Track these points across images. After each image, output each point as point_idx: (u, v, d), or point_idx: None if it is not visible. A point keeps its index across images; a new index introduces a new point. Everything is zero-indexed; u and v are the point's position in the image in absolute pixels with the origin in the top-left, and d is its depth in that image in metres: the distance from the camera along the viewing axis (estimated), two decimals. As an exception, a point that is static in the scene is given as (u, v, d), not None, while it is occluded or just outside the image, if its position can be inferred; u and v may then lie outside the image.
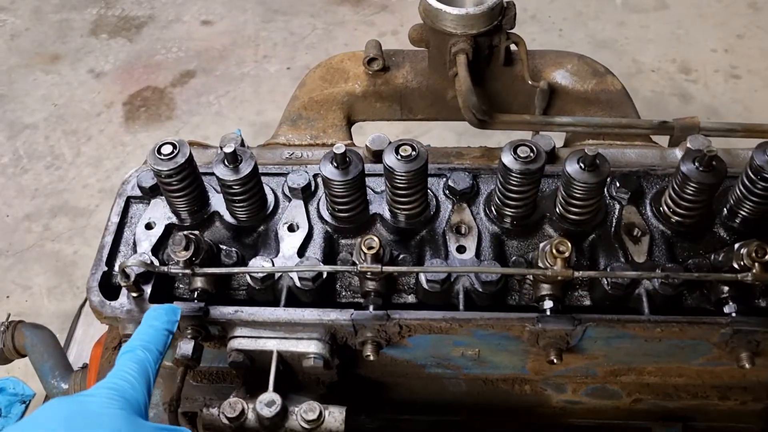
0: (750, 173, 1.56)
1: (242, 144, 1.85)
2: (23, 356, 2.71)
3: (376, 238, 1.50)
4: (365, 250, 1.50)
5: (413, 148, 1.57)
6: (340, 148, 1.56)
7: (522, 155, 1.54)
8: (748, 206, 1.61)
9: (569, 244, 1.48)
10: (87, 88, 5.20)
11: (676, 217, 1.65)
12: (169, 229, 1.72)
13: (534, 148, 1.55)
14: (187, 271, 1.53)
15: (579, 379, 1.74)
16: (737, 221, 1.65)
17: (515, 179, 1.56)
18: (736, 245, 1.51)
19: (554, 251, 1.48)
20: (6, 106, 5.09)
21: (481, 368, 1.72)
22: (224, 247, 1.67)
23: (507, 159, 1.55)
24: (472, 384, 1.77)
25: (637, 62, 5.17)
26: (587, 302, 1.64)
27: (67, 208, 4.49)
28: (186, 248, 1.52)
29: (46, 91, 5.18)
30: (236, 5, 5.76)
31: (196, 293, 1.61)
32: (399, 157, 1.56)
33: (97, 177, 4.65)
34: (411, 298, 1.66)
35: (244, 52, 5.40)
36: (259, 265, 1.60)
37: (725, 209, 1.67)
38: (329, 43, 5.41)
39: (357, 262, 1.52)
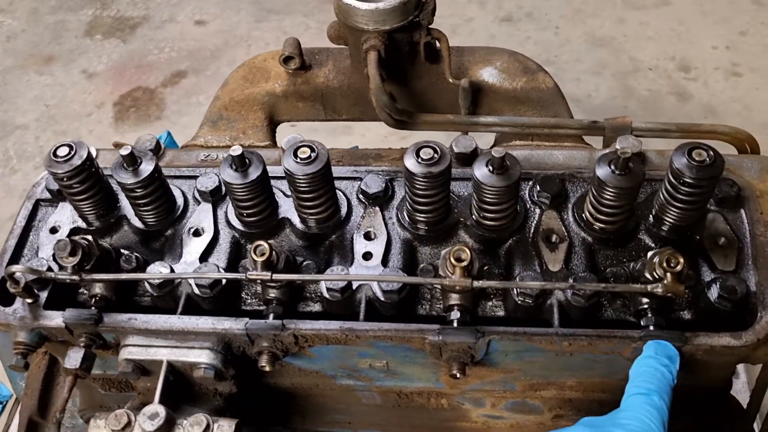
0: (671, 178, 1.46)
1: (158, 146, 1.80)
2: (-6, 358, 2.70)
3: (266, 244, 1.44)
4: (256, 257, 1.43)
5: (312, 150, 1.50)
6: (236, 150, 1.50)
7: (425, 157, 1.46)
8: (672, 212, 1.51)
9: (469, 252, 1.40)
10: (79, 89, 5.20)
11: (598, 224, 1.55)
12: (75, 233, 1.67)
13: (438, 150, 1.47)
14: (75, 277, 1.48)
15: (497, 393, 1.65)
16: (663, 228, 1.55)
17: (419, 183, 1.48)
18: (650, 253, 1.42)
19: (452, 259, 1.40)
20: (-1, 106, 5.12)
21: (394, 380, 1.64)
22: (125, 252, 1.62)
23: (409, 162, 1.47)
24: (385, 397, 1.69)
25: (635, 60, 5.01)
26: (501, 313, 1.56)
27: (53, 208, 4.50)
28: (72, 254, 1.47)
29: (38, 92, 5.20)
30: (230, 5, 5.72)
31: (94, 300, 1.56)
32: (298, 159, 1.49)
33: (84, 177, 4.64)
34: (317, 306, 1.59)
35: (235, 52, 5.36)
36: (156, 271, 1.55)
37: (651, 216, 1.57)
38: (321, 42, 5.28)
39: (248, 269, 1.46)
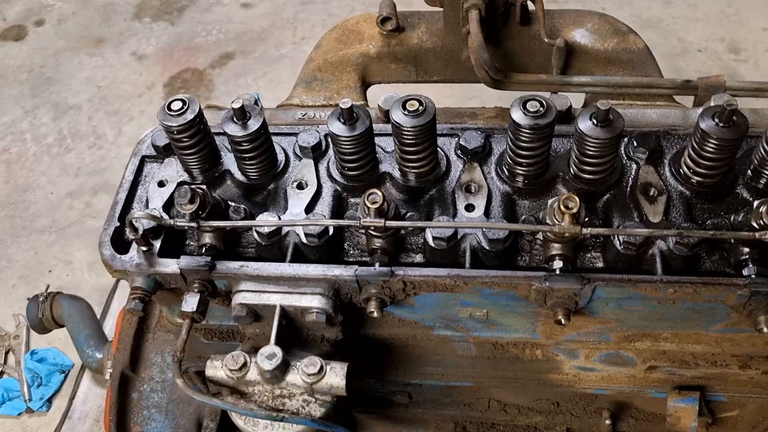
0: (774, 130, 1.49)
1: (256, 104, 1.85)
2: (61, 326, 2.79)
3: (379, 193, 1.48)
4: (369, 205, 1.48)
5: (420, 103, 1.54)
6: (346, 103, 1.55)
7: (531, 110, 1.50)
8: (772, 165, 1.54)
9: (578, 200, 1.44)
10: (129, 70, 5.29)
11: (697, 177, 1.58)
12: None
13: (544, 103, 1.51)
14: (193, 224, 1.54)
15: (592, 344, 1.69)
16: (762, 182, 1.58)
17: (525, 135, 1.52)
18: (756, 203, 1.45)
19: (562, 207, 1.44)
20: (52, 87, 5.22)
21: (491, 331, 1.68)
22: (233, 204, 1.68)
23: (516, 114, 1.51)
24: (481, 348, 1.74)
25: (684, 42, 5.00)
26: (600, 264, 1.59)
27: (107, 186, 4.59)
28: (191, 201, 1.53)
29: (90, 73, 5.30)
30: (276, -12, 5.78)
31: (204, 249, 1.62)
32: (406, 112, 1.54)
33: (137, 156, 4.73)
34: (419, 258, 1.64)
35: (282, 34, 5.42)
36: (264, 219, 1.60)
37: (749, 170, 1.60)
38: (367, 24, 5.39)
39: (361, 217, 1.50)
